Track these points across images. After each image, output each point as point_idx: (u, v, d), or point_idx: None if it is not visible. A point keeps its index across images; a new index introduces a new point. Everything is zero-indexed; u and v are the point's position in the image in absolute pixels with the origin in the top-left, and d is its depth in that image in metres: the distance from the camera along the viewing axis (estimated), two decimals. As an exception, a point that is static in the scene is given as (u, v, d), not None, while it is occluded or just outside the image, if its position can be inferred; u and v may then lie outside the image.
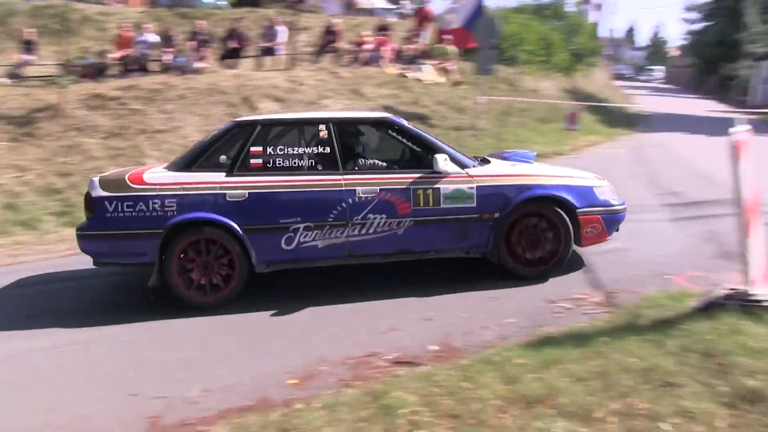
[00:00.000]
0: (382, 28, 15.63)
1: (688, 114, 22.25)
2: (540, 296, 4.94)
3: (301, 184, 5.37)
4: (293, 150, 5.50)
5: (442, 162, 5.38)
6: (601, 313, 4.47)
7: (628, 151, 13.26)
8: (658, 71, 67.05)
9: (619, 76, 50.22)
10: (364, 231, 5.40)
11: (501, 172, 5.70)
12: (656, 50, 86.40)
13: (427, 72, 14.67)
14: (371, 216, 5.37)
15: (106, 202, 5.17)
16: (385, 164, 5.64)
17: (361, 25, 17.42)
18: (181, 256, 5.22)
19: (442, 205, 5.45)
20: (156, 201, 5.19)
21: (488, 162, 5.96)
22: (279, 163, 5.45)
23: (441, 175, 5.45)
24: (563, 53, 20.92)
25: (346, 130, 5.82)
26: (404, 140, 5.72)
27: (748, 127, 3.92)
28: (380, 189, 5.38)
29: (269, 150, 5.46)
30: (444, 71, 14.93)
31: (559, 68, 20.62)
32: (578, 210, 5.56)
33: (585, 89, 22.46)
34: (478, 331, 4.35)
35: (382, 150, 5.99)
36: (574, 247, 5.50)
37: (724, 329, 3.63)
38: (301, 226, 5.31)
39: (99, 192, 5.21)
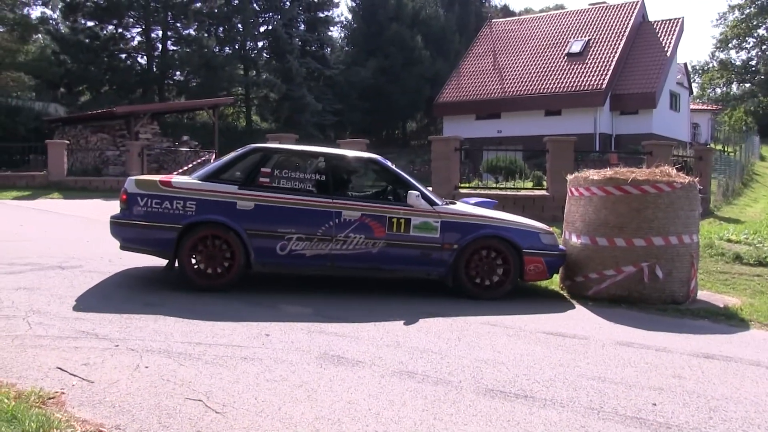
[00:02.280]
0: None
1: None
2: None
3: (300, 202, 6.68)
4: (295, 174, 6.84)
5: (414, 198, 6.70)
6: None
7: None
8: None
9: None
10: (345, 246, 6.61)
11: (463, 211, 7.05)
12: None
13: None
14: (352, 235, 6.56)
15: (138, 198, 6.47)
16: (368, 194, 7.32)
17: None
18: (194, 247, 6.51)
19: (411, 233, 6.72)
20: (178, 201, 6.45)
21: (454, 203, 7.40)
22: (283, 185, 6.76)
23: (413, 208, 6.71)
24: None
25: (339, 163, 7.23)
26: (386, 177, 7.31)
27: None
28: (362, 214, 6.64)
29: (276, 172, 6.78)
30: None
31: None
32: (523, 250, 6.88)
33: None
34: None
35: (368, 183, 7.68)
36: None
37: None
38: (294, 236, 6.55)
39: (133, 188, 6.55)
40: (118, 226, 6.75)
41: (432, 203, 6.90)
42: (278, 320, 5.57)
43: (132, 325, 5.19)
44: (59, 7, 36.56)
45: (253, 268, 6.67)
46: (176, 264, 6.63)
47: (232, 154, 7.17)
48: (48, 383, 3.88)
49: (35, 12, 36.01)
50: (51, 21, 37.02)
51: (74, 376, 4.03)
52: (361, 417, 3.58)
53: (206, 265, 6.59)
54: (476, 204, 7.74)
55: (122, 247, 6.84)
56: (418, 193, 6.80)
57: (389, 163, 7.33)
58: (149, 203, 6.54)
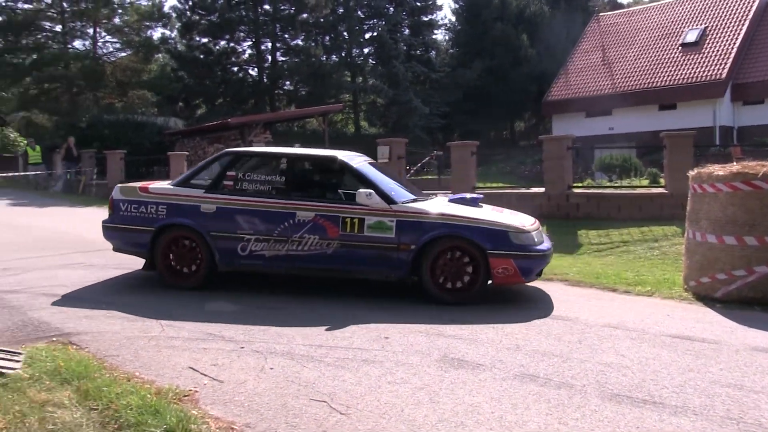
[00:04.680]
0: None
1: None
2: None
3: (256, 204, 6.73)
4: (257, 177, 6.95)
5: (364, 197, 6.40)
6: None
7: None
8: None
9: None
10: (300, 247, 6.52)
11: (420, 210, 6.57)
12: None
13: None
14: (306, 236, 6.47)
15: (121, 203, 7.05)
16: (326, 194, 7.04)
17: None
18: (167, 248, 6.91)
19: (365, 233, 6.46)
20: (152, 206, 6.90)
21: (424, 200, 7.03)
22: (245, 187, 6.92)
23: (368, 207, 6.44)
24: None
25: (301, 164, 7.42)
26: (348, 176, 7.04)
27: None
28: (316, 214, 6.52)
29: (239, 175, 6.98)
30: None
31: None
32: (488, 251, 6.27)
33: None
34: None
35: (328, 182, 7.31)
36: None
37: None
38: (253, 237, 6.61)
39: (118, 195, 7.15)
40: (107, 230, 7.33)
41: (390, 201, 6.58)
42: (396, 323, 5.62)
43: (256, 327, 5.40)
44: (177, 27, 38.66)
45: (219, 268, 6.87)
46: (153, 264, 7.02)
47: (206, 160, 7.53)
48: (182, 381, 4.11)
49: (156, 33, 38.33)
50: (170, 41, 39.12)
51: (205, 375, 4.24)
52: (484, 420, 3.55)
53: (177, 264, 6.94)
54: (455, 200, 7.24)
55: (114, 249, 7.38)
56: (369, 191, 6.47)
57: (352, 162, 7.06)
58: (129, 208, 7.06)
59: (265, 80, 39.64)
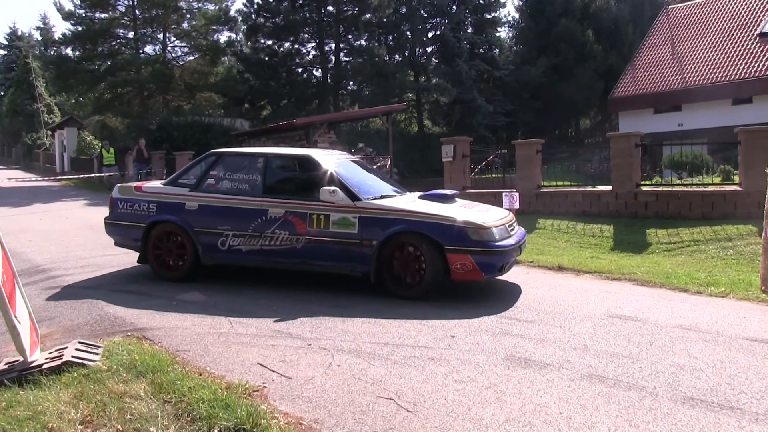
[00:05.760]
0: None
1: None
2: None
3: (233, 201, 7.10)
4: (236, 176, 7.32)
5: (327, 194, 6.64)
6: None
7: None
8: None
9: None
10: (272, 242, 6.82)
11: (382, 206, 6.71)
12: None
13: None
14: (278, 231, 6.74)
15: (119, 202, 7.64)
16: (298, 192, 7.13)
17: None
18: (156, 243, 7.38)
19: (331, 229, 6.66)
20: (144, 203, 7.41)
21: (395, 197, 7.25)
22: (225, 185, 7.30)
23: (333, 204, 6.66)
24: None
25: (277, 163, 7.52)
26: (319, 174, 7.04)
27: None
28: (286, 211, 6.79)
29: (220, 174, 7.37)
30: None
31: None
32: (445, 247, 6.27)
33: None
34: None
35: (300, 181, 7.42)
36: None
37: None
38: (231, 233, 6.98)
39: (116, 194, 7.74)
40: (108, 226, 7.94)
41: (354, 198, 6.73)
42: (462, 322, 5.61)
43: (322, 325, 5.48)
44: (242, 30, 39.46)
45: (202, 261, 7.28)
46: (146, 257, 7.54)
47: (193, 161, 7.89)
48: (251, 377, 4.21)
49: (223, 37, 39.25)
50: (236, 44, 39.92)
51: (273, 371, 4.33)
52: (552, 421, 3.52)
53: (166, 257, 7.45)
54: (425, 196, 7.22)
55: (116, 244, 8.00)
56: (333, 188, 6.67)
57: (324, 161, 7.23)
58: (125, 206, 7.65)
59: (329, 81, 40.03)
